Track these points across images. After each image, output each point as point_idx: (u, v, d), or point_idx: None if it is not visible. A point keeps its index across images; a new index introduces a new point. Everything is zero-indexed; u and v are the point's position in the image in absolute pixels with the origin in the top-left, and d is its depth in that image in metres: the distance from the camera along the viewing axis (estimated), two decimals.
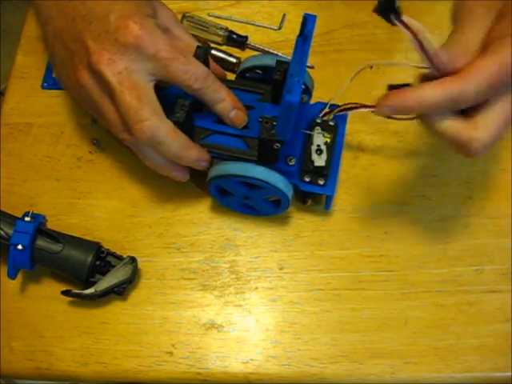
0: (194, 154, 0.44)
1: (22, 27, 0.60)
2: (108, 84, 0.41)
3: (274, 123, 0.42)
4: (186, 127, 0.44)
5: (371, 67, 0.47)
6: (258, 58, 0.48)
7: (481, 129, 0.38)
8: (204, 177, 0.46)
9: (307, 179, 0.46)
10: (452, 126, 0.38)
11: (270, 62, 0.47)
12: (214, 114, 0.45)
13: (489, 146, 0.38)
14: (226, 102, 0.44)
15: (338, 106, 0.46)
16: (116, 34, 0.41)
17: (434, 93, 0.37)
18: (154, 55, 0.41)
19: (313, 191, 0.47)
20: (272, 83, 0.46)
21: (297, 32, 0.41)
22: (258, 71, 0.49)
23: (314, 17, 0.41)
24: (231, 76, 0.52)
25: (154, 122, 0.41)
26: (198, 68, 0.42)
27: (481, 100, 0.37)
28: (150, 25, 0.42)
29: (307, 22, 0.40)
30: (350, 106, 0.45)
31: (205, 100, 0.44)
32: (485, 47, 0.38)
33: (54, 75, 0.56)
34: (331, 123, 0.47)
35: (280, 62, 0.45)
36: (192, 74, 0.42)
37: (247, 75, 0.49)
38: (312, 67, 0.55)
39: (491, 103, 0.38)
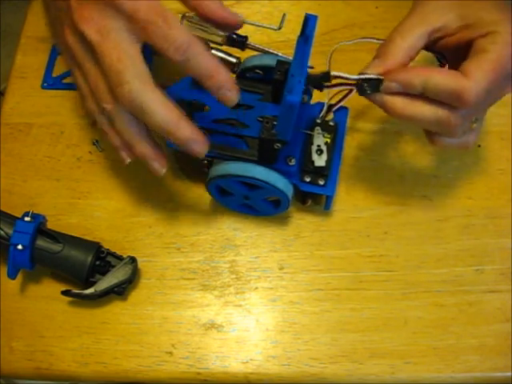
0: (186, 131, 0.40)
1: (22, 27, 0.60)
2: (89, 43, 0.39)
3: (275, 123, 0.42)
4: None
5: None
6: (258, 58, 0.48)
7: (472, 76, 0.39)
8: (195, 165, 0.45)
9: (307, 179, 0.46)
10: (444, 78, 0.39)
11: (270, 61, 0.47)
12: (216, 114, 0.45)
13: (482, 94, 0.39)
14: (213, 80, 0.39)
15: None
16: None
17: (441, 78, 0.38)
18: (131, 15, 0.38)
19: (313, 191, 0.47)
20: (272, 83, 0.46)
21: (297, 32, 0.41)
22: (258, 71, 0.49)
23: (315, 17, 0.41)
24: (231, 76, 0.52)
25: (136, 86, 0.38)
26: (179, 35, 0.38)
27: (481, 100, 0.39)
28: None
29: (308, 22, 0.40)
30: (342, 81, 0.42)
31: (191, 74, 0.40)
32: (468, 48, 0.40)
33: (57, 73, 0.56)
34: (331, 123, 0.47)
35: (280, 62, 0.45)
36: (172, 43, 0.37)
37: (247, 75, 0.49)
38: (312, 67, 0.55)
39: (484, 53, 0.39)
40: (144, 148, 0.42)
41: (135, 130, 0.41)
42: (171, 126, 0.39)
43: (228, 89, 0.40)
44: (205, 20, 0.42)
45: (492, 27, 0.39)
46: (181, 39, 0.37)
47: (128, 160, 0.44)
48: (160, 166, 0.43)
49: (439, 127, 0.41)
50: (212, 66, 0.39)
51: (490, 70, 0.39)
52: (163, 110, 0.39)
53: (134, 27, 0.38)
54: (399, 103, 0.40)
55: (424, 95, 0.39)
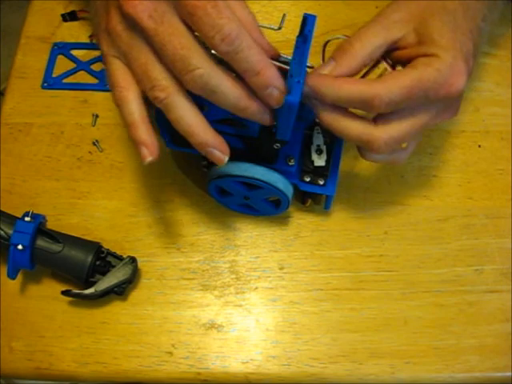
0: (256, 106, 0.38)
1: (22, 27, 0.60)
2: (143, 29, 0.36)
3: (275, 123, 0.42)
4: None
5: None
6: None
7: (382, 128, 0.40)
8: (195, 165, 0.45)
9: (307, 179, 0.46)
10: (356, 124, 0.40)
11: None
12: (215, 114, 0.45)
13: (390, 145, 0.40)
14: (260, 77, 0.36)
15: None
16: None
17: (349, 86, 0.39)
18: None
19: (313, 191, 0.47)
20: None
21: (297, 32, 0.41)
22: None
23: (314, 17, 0.40)
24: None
25: (205, 70, 0.36)
26: (228, 24, 0.34)
27: (392, 109, 0.39)
28: None
29: (307, 22, 0.40)
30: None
31: (235, 68, 0.37)
32: (409, 61, 0.40)
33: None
34: None
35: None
36: (219, 31, 0.34)
37: None
38: (312, 67, 0.55)
39: (398, 112, 0.40)
40: (206, 136, 0.39)
41: (196, 118, 0.38)
42: (244, 102, 0.38)
43: (276, 87, 0.37)
44: None
45: (436, 50, 0.39)
46: (229, 28, 0.35)
47: (150, 159, 0.39)
48: (222, 154, 0.40)
49: (362, 144, 0.41)
50: (261, 61, 0.36)
51: (405, 85, 0.38)
52: (234, 88, 0.37)
53: (182, 11, 0.36)
54: (328, 114, 0.40)
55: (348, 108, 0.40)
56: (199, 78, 0.36)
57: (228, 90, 0.37)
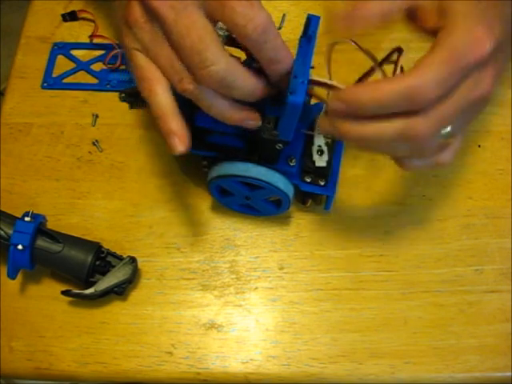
0: (269, 91, 0.39)
1: (22, 27, 0.60)
2: (163, 20, 0.36)
3: (276, 123, 0.42)
4: None
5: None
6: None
7: (423, 115, 0.36)
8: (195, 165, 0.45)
9: (308, 179, 0.46)
10: (392, 122, 0.36)
11: None
12: None
13: (437, 90, 0.35)
14: (282, 64, 0.38)
15: None
16: None
17: (390, 87, 0.35)
18: None
19: (314, 191, 0.47)
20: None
21: (297, 32, 0.41)
22: None
23: (318, 18, 0.40)
24: None
25: (221, 66, 0.36)
26: (260, 14, 0.35)
27: (440, 92, 0.35)
28: None
29: (311, 22, 0.40)
30: (316, 79, 0.41)
31: (258, 56, 0.37)
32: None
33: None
34: None
35: None
36: (250, 20, 0.35)
37: None
38: (312, 67, 0.55)
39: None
40: (239, 114, 0.40)
41: (224, 101, 0.39)
42: (259, 92, 0.39)
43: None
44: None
45: (455, 19, 0.37)
46: (261, 18, 0.35)
47: (181, 149, 0.39)
48: (256, 122, 0.41)
49: (406, 143, 0.37)
50: (286, 50, 0.38)
51: (440, 62, 0.35)
52: (249, 81, 0.38)
53: (210, 3, 0.36)
54: (352, 125, 0.37)
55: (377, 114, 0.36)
56: (216, 73, 0.36)
57: (244, 85, 0.37)
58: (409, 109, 0.36)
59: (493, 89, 0.38)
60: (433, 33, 0.38)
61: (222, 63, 0.36)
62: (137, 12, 0.37)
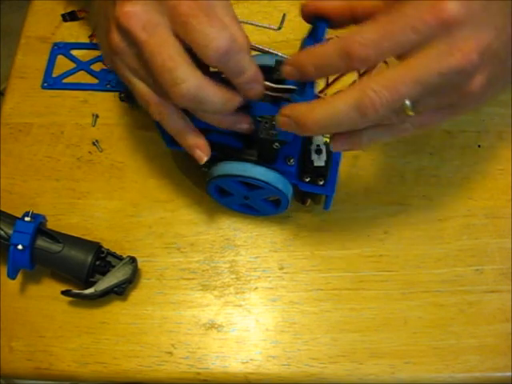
0: (239, 99, 0.40)
1: (22, 27, 0.60)
2: (136, 41, 0.36)
3: (274, 123, 0.42)
4: None
5: None
6: (258, 58, 0.48)
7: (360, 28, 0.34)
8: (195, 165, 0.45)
9: (307, 179, 0.46)
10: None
11: (269, 61, 0.47)
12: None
13: (372, 43, 0.33)
14: (246, 76, 0.38)
15: None
16: None
17: (327, 46, 0.35)
18: (173, 7, 0.35)
19: (312, 191, 0.47)
20: (271, 83, 0.45)
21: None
22: None
23: (325, 25, 0.40)
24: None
25: (192, 83, 0.36)
26: (221, 34, 0.35)
27: (381, 51, 0.33)
28: None
29: (318, 29, 0.40)
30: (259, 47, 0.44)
31: (223, 71, 0.38)
32: None
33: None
34: None
35: (279, 62, 0.45)
36: (211, 41, 0.35)
37: None
38: None
39: None
40: (230, 117, 0.41)
41: (183, 123, 0.41)
42: (229, 105, 0.39)
43: (258, 82, 0.40)
44: None
45: None
46: (222, 39, 0.36)
47: (205, 158, 0.42)
48: (248, 126, 0.43)
49: (362, 116, 0.34)
50: (248, 62, 0.38)
51: (381, 21, 0.33)
52: (220, 94, 0.38)
53: (175, 22, 0.36)
54: (304, 108, 0.37)
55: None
56: (187, 91, 0.37)
57: (215, 98, 0.38)
58: (347, 67, 0.35)
59: (475, 64, 0.33)
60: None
61: (192, 80, 0.36)
62: (116, 38, 0.38)
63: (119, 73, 0.40)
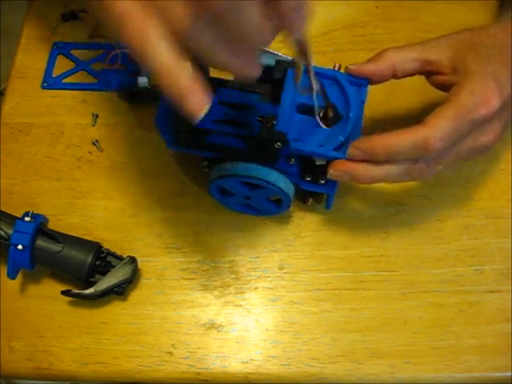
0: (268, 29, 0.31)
1: (22, 27, 0.60)
2: None
3: (274, 122, 0.42)
4: None
5: None
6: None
7: (432, 124, 0.41)
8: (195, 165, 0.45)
9: (308, 178, 0.46)
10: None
11: (269, 61, 0.47)
12: (214, 115, 0.45)
13: (445, 139, 0.40)
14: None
15: None
16: None
17: (404, 138, 0.40)
18: None
19: (314, 190, 0.47)
20: (271, 83, 0.46)
21: None
22: None
23: (366, 87, 0.45)
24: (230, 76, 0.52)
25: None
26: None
27: (446, 144, 0.41)
28: None
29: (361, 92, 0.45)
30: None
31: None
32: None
33: None
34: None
35: (279, 62, 0.45)
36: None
37: None
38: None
39: None
40: (247, 57, 0.32)
41: (225, 44, 0.31)
42: (261, 36, 0.31)
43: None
44: None
45: (468, 76, 0.42)
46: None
47: (206, 107, 0.31)
48: (256, 70, 0.34)
49: (408, 178, 0.44)
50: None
51: (450, 115, 0.40)
52: (257, 16, 0.30)
53: None
54: (362, 168, 0.42)
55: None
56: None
57: (250, 11, 0.29)
58: (419, 157, 0.41)
59: (496, 140, 0.44)
60: (445, 87, 0.44)
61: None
62: None
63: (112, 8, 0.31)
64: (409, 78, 0.46)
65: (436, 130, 0.40)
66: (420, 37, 0.46)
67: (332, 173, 0.43)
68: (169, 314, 0.47)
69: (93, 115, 0.55)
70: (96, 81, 0.56)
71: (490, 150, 0.44)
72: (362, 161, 0.42)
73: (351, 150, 0.42)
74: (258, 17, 0.30)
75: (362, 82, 0.45)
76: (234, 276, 0.48)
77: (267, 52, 0.55)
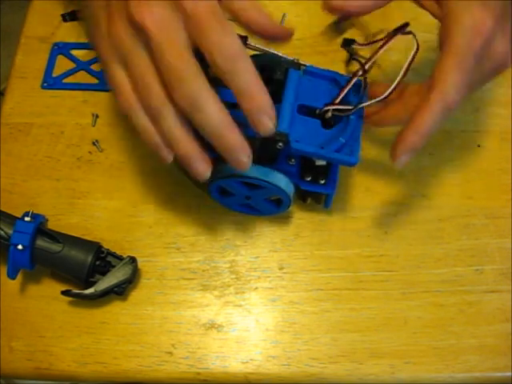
0: (237, 140, 0.38)
1: (22, 27, 0.60)
2: (147, 35, 0.37)
3: (275, 123, 0.42)
4: None
5: None
6: (258, 58, 0.48)
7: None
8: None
9: (308, 178, 0.46)
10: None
11: (269, 61, 0.47)
12: None
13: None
14: (253, 102, 0.37)
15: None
16: None
17: (430, 113, 0.40)
18: (191, 12, 0.36)
19: (314, 190, 0.47)
20: (272, 83, 0.46)
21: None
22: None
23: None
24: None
25: (198, 85, 0.36)
26: (232, 44, 0.36)
27: (464, 90, 0.41)
28: None
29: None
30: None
31: (230, 87, 0.37)
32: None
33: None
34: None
35: (280, 62, 0.45)
36: (224, 50, 0.36)
37: None
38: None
39: None
40: (191, 149, 0.39)
41: (183, 129, 0.39)
42: (223, 130, 0.38)
43: (267, 114, 0.38)
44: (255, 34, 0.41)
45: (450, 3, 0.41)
46: (233, 49, 0.36)
47: (171, 159, 0.40)
48: (205, 169, 0.41)
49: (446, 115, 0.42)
50: (256, 86, 0.37)
51: (452, 67, 0.40)
52: (220, 113, 0.37)
53: (190, 26, 0.37)
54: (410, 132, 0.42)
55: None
56: (189, 90, 0.36)
57: (213, 113, 0.37)
58: (447, 118, 0.41)
59: (508, 50, 0.42)
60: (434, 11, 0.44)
61: (198, 83, 0.36)
62: (119, 25, 0.38)
63: (104, 56, 0.40)
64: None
65: (448, 88, 0.40)
66: (420, 37, 0.46)
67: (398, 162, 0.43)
68: (169, 314, 0.47)
69: (93, 115, 0.55)
70: (96, 81, 0.56)
71: (508, 63, 0.43)
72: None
73: (398, 161, 0.42)
74: (218, 110, 0.37)
75: (361, 82, 0.44)
76: (234, 276, 0.48)
77: (267, 52, 0.55)
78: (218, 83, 0.40)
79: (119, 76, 0.39)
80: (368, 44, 0.53)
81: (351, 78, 0.45)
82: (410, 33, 0.44)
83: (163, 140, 0.40)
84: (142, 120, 0.40)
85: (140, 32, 0.37)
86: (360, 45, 0.55)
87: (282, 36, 0.41)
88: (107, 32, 0.39)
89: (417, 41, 0.44)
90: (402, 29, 0.45)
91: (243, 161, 0.39)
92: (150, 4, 0.37)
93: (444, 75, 0.40)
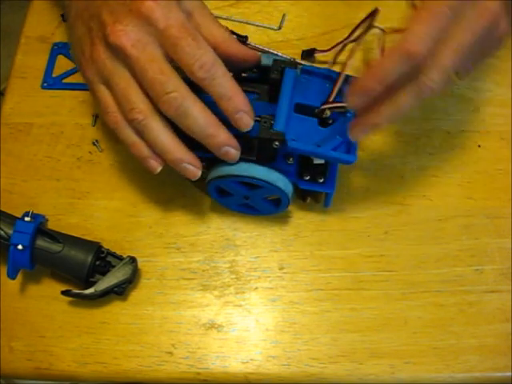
0: (223, 136, 0.42)
1: (22, 27, 0.60)
2: (126, 57, 0.40)
3: (272, 122, 0.42)
4: None
5: None
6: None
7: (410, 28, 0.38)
8: (203, 178, 0.46)
9: (306, 177, 0.46)
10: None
11: (266, 61, 0.47)
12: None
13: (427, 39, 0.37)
14: (231, 102, 0.41)
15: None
16: (130, 5, 0.40)
17: (389, 60, 0.38)
18: (163, 30, 0.40)
19: (313, 189, 0.47)
20: (269, 83, 0.46)
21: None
22: (254, 70, 0.49)
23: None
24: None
25: (182, 92, 0.40)
26: (206, 54, 0.40)
27: (430, 43, 0.37)
28: (167, 1, 0.41)
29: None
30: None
31: (209, 93, 0.41)
32: None
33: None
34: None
35: (277, 62, 0.45)
36: (199, 59, 0.40)
37: (244, 75, 0.49)
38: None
39: None
40: (180, 153, 0.43)
41: (169, 137, 0.43)
42: (211, 130, 0.41)
43: (244, 112, 0.41)
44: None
45: None
46: (207, 58, 0.40)
47: (159, 168, 0.45)
48: (195, 169, 0.44)
49: (419, 99, 0.40)
50: (232, 88, 0.41)
51: (420, 15, 0.38)
52: (204, 115, 0.41)
53: (165, 42, 0.40)
54: (373, 114, 0.41)
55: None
56: (174, 100, 0.40)
57: (199, 115, 0.41)
58: (412, 70, 0.38)
59: (499, 13, 0.39)
60: None
61: (181, 91, 0.40)
62: (100, 49, 0.42)
63: (89, 78, 0.44)
64: None
65: (411, 34, 0.37)
66: None
67: (354, 136, 0.42)
68: (169, 314, 0.47)
69: (93, 115, 0.55)
70: None
71: (503, 31, 0.40)
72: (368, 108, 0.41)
73: (350, 100, 0.40)
74: (203, 112, 0.41)
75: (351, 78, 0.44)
76: (234, 276, 0.48)
77: (267, 52, 0.55)
78: (194, 87, 0.41)
79: (104, 96, 0.43)
80: (330, 49, 0.52)
81: (339, 75, 0.44)
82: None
83: (152, 150, 0.43)
84: (129, 134, 0.43)
85: (118, 53, 0.41)
86: (321, 51, 0.54)
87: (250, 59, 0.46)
88: (90, 56, 0.43)
89: (382, 29, 0.45)
90: (373, 15, 0.45)
91: (231, 152, 0.43)
92: (124, 25, 0.40)
93: (410, 25, 0.38)
